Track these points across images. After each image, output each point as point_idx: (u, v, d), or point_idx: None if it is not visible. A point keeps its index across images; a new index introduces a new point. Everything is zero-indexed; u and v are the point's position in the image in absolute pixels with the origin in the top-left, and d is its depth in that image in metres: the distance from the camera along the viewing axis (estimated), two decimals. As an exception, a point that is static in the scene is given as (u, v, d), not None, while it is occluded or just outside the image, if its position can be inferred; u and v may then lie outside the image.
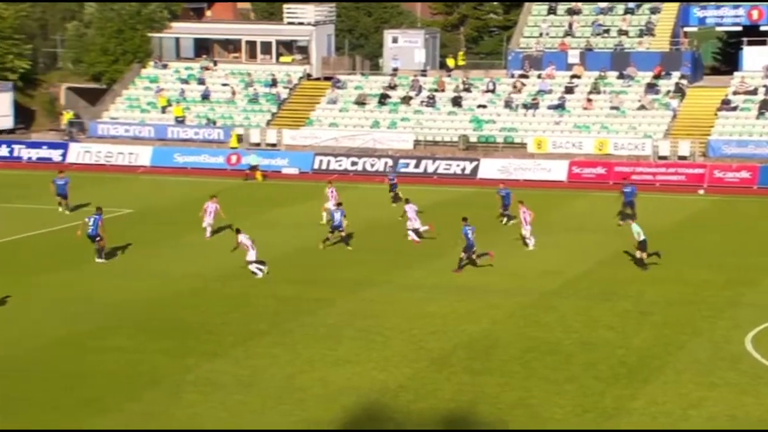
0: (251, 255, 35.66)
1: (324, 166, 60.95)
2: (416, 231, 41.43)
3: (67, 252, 39.07)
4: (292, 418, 23.45)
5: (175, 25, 76.87)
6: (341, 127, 66.04)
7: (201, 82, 71.77)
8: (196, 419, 23.37)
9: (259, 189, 55.25)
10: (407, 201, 42.64)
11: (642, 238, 36.73)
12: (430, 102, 66.97)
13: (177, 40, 76.71)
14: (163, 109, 69.43)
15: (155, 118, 68.88)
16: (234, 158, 61.44)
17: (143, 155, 62.98)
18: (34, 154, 63.70)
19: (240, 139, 64.63)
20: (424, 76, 70.35)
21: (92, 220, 37.54)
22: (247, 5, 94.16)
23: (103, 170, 61.06)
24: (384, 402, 24.46)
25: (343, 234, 40.36)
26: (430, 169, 59.83)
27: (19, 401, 24.19)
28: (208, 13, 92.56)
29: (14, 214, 46.11)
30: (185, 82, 72.05)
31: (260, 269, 35.79)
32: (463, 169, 59.41)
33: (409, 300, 33.21)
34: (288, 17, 74.68)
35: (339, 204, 41.50)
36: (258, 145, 65.19)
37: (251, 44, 75.17)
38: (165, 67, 73.90)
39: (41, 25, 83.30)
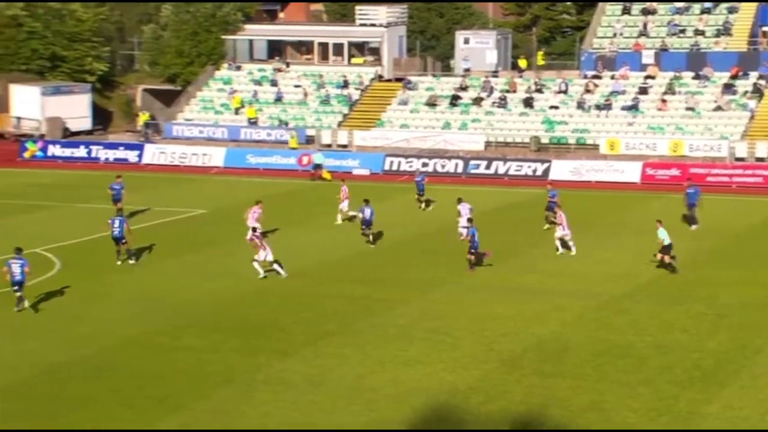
0: (261, 255, 35.52)
1: (394, 167, 61.00)
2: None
3: (141, 252, 39.57)
4: (362, 419, 23.48)
5: (248, 27, 77.60)
6: (412, 128, 66.03)
7: (273, 83, 72.31)
8: (267, 418, 23.51)
9: (329, 190, 55.38)
10: (460, 200, 42.15)
11: (667, 242, 36.19)
12: (502, 103, 66.66)
13: (250, 41, 77.41)
14: (236, 111, 70.09)
15: (228, 120, 69.57)
16: (305, 159, 61.76)
17: (216, 156, 63.59)
18: (111, 154, 64.58)
19: (299, 139, 65.05)
20: (496, 77, 70.05)
21: (117, 221, 37.79)
22: (320, 7, 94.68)
23: (177, 171, 61.75)
24: (454, 403, 24.38)
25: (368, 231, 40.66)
26: (501, 171, 59.53)
27: (93, 399, 24.52)
28: (281, 14, 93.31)
29: (91, 213, 46.79)
30: (258, 83, 72.64)
31: (279, 271, 35.62)
32: (535, 171, 59.01)
33: (477, 301, 33.07)
34: (360, 19, 74.92)
35: (366, 201, 41.22)
36: (329, 146, 65.46)
37: (323, 46, 75.53)
38: (238, 68, 74.60)
39: (119, 28, 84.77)
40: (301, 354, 27.81)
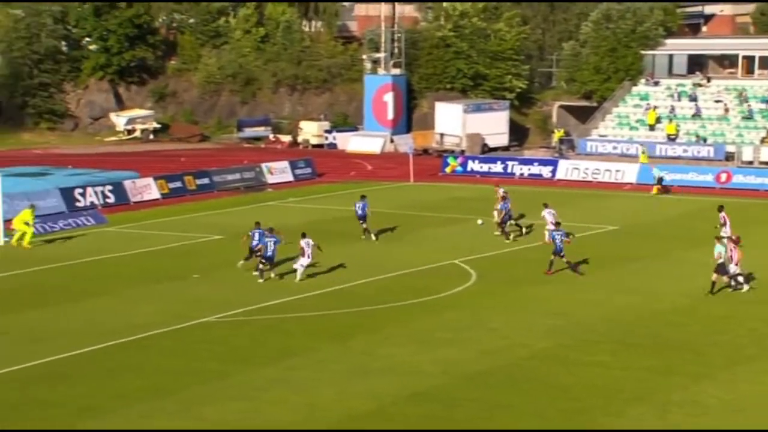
0: (303, 261, 36.44)
1: (823, 187, 57.38)
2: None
3: (562, 264, 39.98)
4: (781, 450, 22.28)
5: (669, 41, 76.31)
6: None
7: (692, 98, 70.50)
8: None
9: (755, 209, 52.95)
10: (546, 205, 43.08)
11: (720, 261, 34.34)
12: None
13: (670, 56, 76.08)
14: (651, 127, 69.05)
15: (643, 136, 68.70)
16: (724, 176, 59.69)
17: (629, 172, 62.86)
18: (526, 170, 65.74)
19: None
20: None
21: (267, 239, 37.16)
22: (747, 19, 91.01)
23: (589, 187, 61.77)
24: None
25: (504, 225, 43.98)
26: None
27: (507, 408, 25.00)
28: (704, 28, 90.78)
29: (511, 227, 47.80)
30: (676, 99, 71.14)
31: (301, 271, 36.59)
32: None
33: None
34: (793, 30, 71.37)
35: (505, 194, 45.42)
36: (750, 163, 62.81)
37: (749, 59, 72.61)
38: (656, 84, 73.49)
39: (539, 47, 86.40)
40: (717, 377, 26.85)
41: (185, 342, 30.22)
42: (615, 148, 67.87)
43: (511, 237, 44.50)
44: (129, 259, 41.50)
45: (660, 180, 58.23)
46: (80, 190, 53.06)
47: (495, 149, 74.93)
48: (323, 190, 59.55)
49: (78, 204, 52.18)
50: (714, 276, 35.10)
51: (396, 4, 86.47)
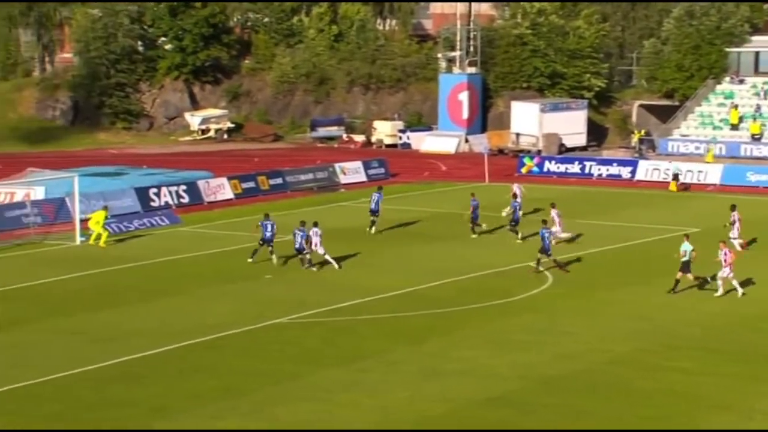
0: (317, 248, 38.25)
1: None
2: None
3: (642, 267, 39.12)
4: None
5: (755, 38, 74.56)
6: None
7: (778, 97, 68.83)
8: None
9: None
10: (553, 205, 42.50)
11: (685, 259, 34.40)
12: None
13: (756, 53, 74.27)
14: (734, 126, 67.43)
15: (727, 135, 67.12)
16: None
17: (713, 173, 61.41)
18: (605, 170, 64.59)
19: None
20: None
21: (296, 231, 38.69)
22: None
23: (669, 188, 60.44)
24: None
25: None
26: None
27: (585, 414, 24.36)
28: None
29: (586, 228, 46.90)
30: (762, 97, 69.43)
31: (309, 260, 38.30)
32: None
33: None
34: None
35: (517, 192, 46.23)
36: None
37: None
38: (741, 82, 71.81)
39: (619, 44, 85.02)
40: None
41: (258, 343, 30.02)
42: (697, 148, 66.38)
43: (519, 237, 43.73)
44: (202, 259, 41.50)
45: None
46: (155, 190, 53.28)
47: (572, 149, 73.78)
48: (397, 191, 58.97)
49: (153, 204, 52.38)
50: (678, 274, 34.60)
51: (472, 2, 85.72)
